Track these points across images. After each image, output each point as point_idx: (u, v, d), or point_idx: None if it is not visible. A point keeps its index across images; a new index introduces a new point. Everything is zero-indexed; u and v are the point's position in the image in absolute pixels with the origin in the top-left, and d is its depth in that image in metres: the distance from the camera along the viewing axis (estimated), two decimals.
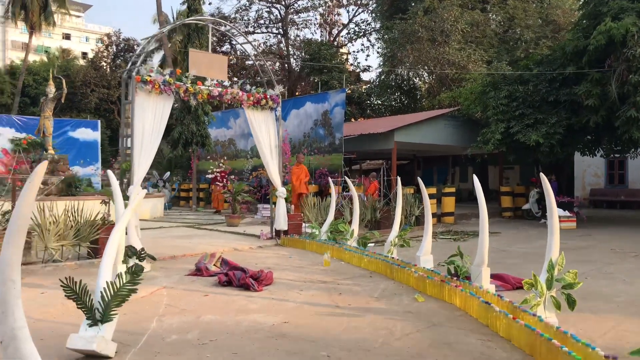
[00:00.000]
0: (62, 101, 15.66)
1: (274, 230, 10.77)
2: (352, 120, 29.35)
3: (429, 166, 29.51)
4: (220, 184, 13.27)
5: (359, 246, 8.97)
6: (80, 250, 7.83)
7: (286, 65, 33.25)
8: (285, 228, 10.55)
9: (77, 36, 77.76)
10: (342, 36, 35.91)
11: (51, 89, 15.46)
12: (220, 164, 13.49)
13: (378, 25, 32.93)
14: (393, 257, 7.64)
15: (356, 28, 34.65)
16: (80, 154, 23.16)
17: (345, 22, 35.66)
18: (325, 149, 17.40)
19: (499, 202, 18.12)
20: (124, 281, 4.12)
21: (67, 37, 74.63)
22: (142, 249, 7.25)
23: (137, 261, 7.20)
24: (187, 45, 19.85)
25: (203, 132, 19.18)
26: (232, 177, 13.38)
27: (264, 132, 10.44)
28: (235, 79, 29.90)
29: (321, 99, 17.86)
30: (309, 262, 8.37)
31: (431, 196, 15.04)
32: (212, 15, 33.85)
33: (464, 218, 16.42)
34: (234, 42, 35.76)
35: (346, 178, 9.94)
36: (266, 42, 34.57)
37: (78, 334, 3.97)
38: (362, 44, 58.03)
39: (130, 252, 7.16)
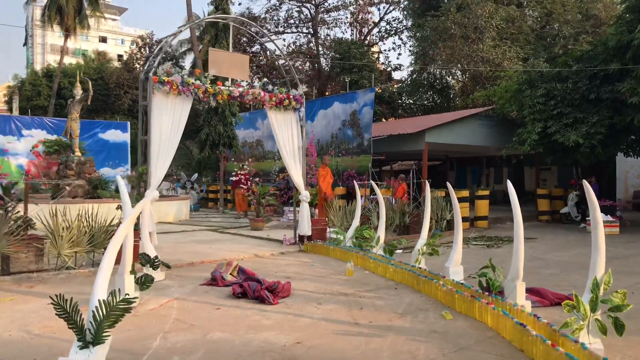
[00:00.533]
0: (89, 103, 15.66)
1: (297, 236, 10.39)
2: (383, 120, 28.82)
3: (462, 167, 28.72)
4: (245, 187, 12.96)
5: (385, 254, 8.51)
6: (94, 257, 7.58)
7: (316, 65, 32.89)
8: (309, 233, 10.15)
9: (113, 39, 79.41)
10: (373, 34, 35.36)
11: (78, 91, 15.48)
12: (244, 166, 13.19)
13: (410, 23, 32.28)
14: (420, 268, 7.15)
15: (387, 26, 34.09)
16: (110, 155, 23.31)
17: (377, 20, 35.12)
18: (354, 150, 16.95)
19: (536, 205, 17.34)
20: (118, 299, 3.77)
21: (103, 40, 76.35)
22: (156, 257, 6.96)
23: (150, 269, 6.93)
24: (215, 46, 19.70)
25: (230, 133, 18.98)
26: (257, 179, 13.08)
27: (287, 133, 10.07)
28: (266, 79, 29.61)
29: (350, 99, 17.42)
30: (332, 271, 7.95)
31: (463, 199, 14.45)
32: (242, 15, 33.80)
33: (498, 222, 15.73)
34: (264, 42, 35.64)
35: (372, 183, 9.48)
36: (296, 42, 34.26)
37: (68, 357, 3.65)
38: (394, 43, 56.87)
39: (143, 260, 6.88)
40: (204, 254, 9.10)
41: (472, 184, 28.31)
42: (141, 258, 6.91)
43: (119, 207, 7.99)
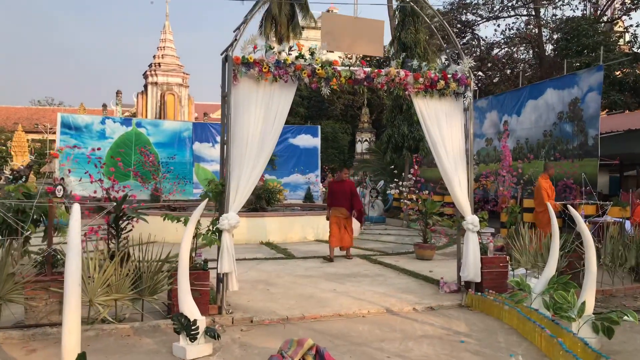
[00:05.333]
0: None
1: (461, 280, 7.12)
2: (627, 112, 22.59)
3: None
4: (408, 201, 10.03)
5: (595, 334, 4.88)
6: (143, 307, 5.56)
7: (537, 50, 27.76)
8: (477, 280, 6.80)
9: None
10: (614, 8, 28.61)
11: None
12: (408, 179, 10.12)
13: None
14: None
15: None
16: (300, 161, 22.33)
17: None
18: (573, 152, 12.56)
19: None
20: None
21: None
22: (194, 322, 4.60)
23: (187, 340, 4.60)
24: (401, 34, 16.95)
25: (416, 135, 16.05)
26: (427, 191, 10.07)
27: (446, 130, 6.89)
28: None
29: (567, 83, 13.03)
30: None
31: None
32: (451, 4, 30.41)
33: None
34: (476, 31, 31.64)
35: (569, 207, 5.69)
36: (512, 27, 29.48)
37: None
38: None
39: (177, 324, 4.59)
40: (316, 302, 6.51)
41: None
42: (175, 322, 4.63)
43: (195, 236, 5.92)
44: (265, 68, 5.92)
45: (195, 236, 5.81)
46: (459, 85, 6.83)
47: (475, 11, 30.43)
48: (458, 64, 6.90)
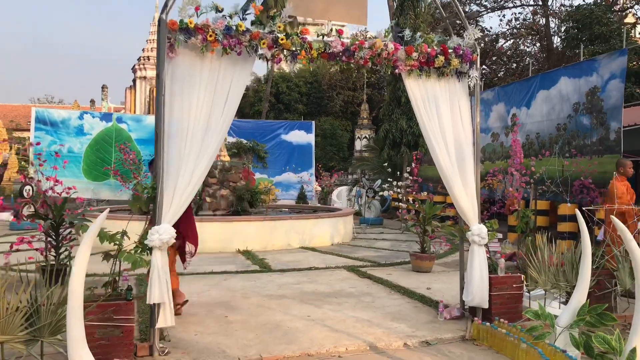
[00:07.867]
0: None
1: (463, 305, 5.76)
2: None
3: None
4: (404, 204, 8.71)
5: None
6: (43, 350, 4.21)
7: (544, 42, 26.32)
8: (485, 306, 5.43)
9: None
10: None
11: None
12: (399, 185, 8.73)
13: None
14: None
15: None
16: (293, 158, 21.00)
17: None
18: (592, 147, 11.18)
19: None
20: None
21: None
22: None
23: None
24: (399, 19, 15.61)
25: (415, 130, 14.68)
26: (426, 192, 8.72)
27: (446, 118, 5.53)
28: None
29: (585, 71, 11.63)
30: None
31: None
32: None
33: None
34: (480, 22, 30.24)
35: (612, 217, 4.33)
36: (518, 17, 28.07)
37: None
38: None
39: None
40: (282, 335, 5.15)
41: None
42: None
43: (106, 257, 4.57)
44: (211, 36, 4.57)
45: (117, 255, 4.48)
46: (463, 63, 5.47)
47: (479, 1, 29.09)
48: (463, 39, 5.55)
